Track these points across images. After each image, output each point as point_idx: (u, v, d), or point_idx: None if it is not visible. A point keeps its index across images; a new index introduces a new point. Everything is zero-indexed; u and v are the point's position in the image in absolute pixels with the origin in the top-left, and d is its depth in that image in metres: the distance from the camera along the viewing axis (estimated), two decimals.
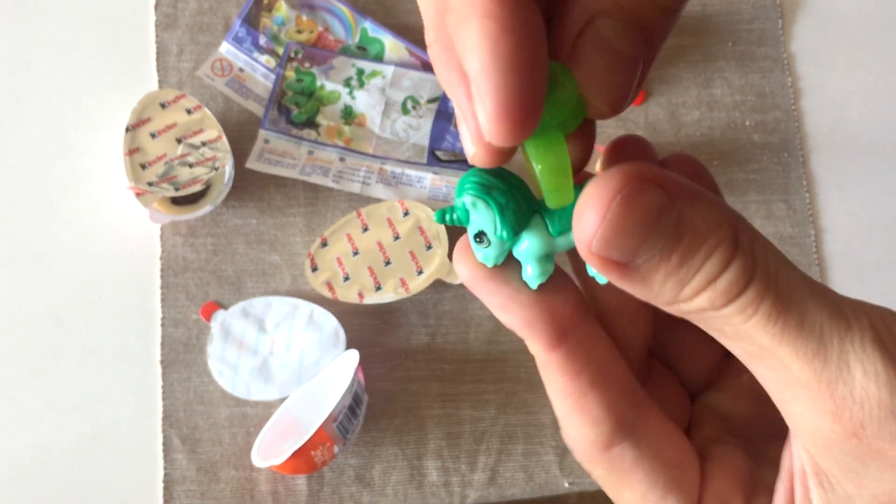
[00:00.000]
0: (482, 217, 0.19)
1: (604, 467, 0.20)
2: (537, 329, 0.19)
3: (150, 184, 0.57)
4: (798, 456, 0.19)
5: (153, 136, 0.58)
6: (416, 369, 0.58)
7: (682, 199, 0.17)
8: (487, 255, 0.19)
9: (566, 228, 0.19)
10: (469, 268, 0.20)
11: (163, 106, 0.59)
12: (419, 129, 0.61)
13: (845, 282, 0.61)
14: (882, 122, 0.64)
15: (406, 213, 0.59)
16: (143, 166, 0.58)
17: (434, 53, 0.18)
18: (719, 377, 0.24)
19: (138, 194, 0.56)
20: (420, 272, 0.58)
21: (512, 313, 0.20)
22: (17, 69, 0.62)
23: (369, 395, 0.57)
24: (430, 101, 0.62)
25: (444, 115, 0.62)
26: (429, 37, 0.18)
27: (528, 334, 0.20)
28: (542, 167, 0.18)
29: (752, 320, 0.18)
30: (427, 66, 0.62)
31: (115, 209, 0.59)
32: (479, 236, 0.19)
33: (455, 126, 0.62)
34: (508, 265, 0.20)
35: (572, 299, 0.20)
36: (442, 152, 0.61)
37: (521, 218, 0.19)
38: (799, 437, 0.19)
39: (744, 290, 0.17)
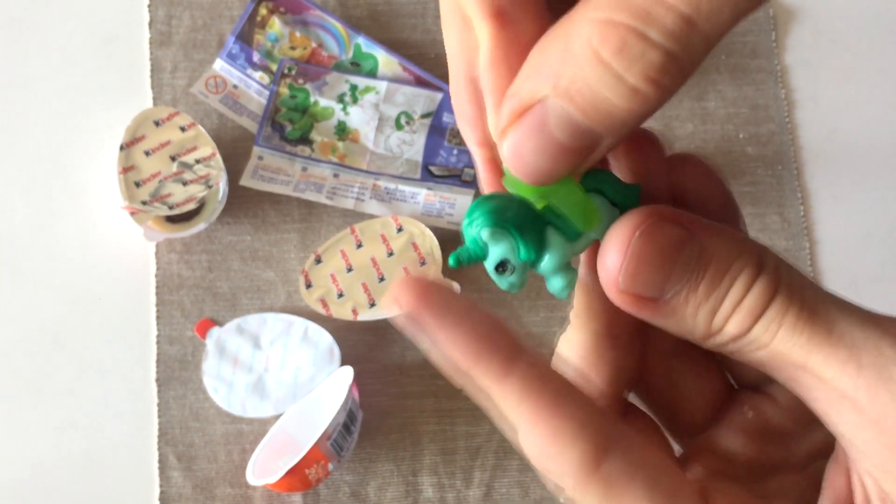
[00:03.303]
0: (501, 246, 0.19)
1: (598, 489, 0.19)
2: (486, 359, 0.18)
3: (145, 202, 0.57)
4: (860, 482, 0.19)
5: (147, 153, 0.58)
6: (411, 385, 0.58)
7: (703, 233, 0.18)
8: (512, 281, 0.19)
9: (579, 230, 0.20)
10: (410, 305, 0.18)
11: (157, 123, 0.59)
12: (413, 145, 0.61)
13: (841, 294, 0.61)
14: (876, 134, 0.64)
15: (400, 230, 0.59)
16: (138, 184, 0.58)
17: (458, 108, 0.20)
18: (720, 414, 0.23)
19: (132, 213, 0.56)
20: None
21: (459, 345, 0.18)
22: (12, 87, 0.62)
23: (364, 412, 0.57)
24: (424, 116, 0.62)
25: (437, 130, 0.62)
26: (456, 93, 0.19)
27: (477, 366, 0.18)
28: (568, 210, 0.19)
29: (779, 335, 0.18)
30: (420, 82, 0.62)
31: (109, 227, 0.60)
32: (502, 266, 0.19)
33: (448, 141, 0.62)
34: (439, 295, 0.19)
35: (505, 328, 0.19)
36: (436, 167, 0.61)
37: (538, 235, 0.19)
38: (860, 462, 0.18)
39: (768, 306, 0.18)
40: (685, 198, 0.21)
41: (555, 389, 0.19)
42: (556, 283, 0.20)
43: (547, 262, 0.19)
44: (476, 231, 0.19)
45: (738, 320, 0.18)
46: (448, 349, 0.19)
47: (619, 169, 0.21)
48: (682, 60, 0.16)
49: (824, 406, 0.18)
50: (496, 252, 0.19)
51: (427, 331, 0.18)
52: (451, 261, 0.19)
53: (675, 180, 0.21)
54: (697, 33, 0.16)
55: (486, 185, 0.20)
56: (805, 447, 0.22)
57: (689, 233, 0.18)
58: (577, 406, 0.19)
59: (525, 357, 0.19)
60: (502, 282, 0.19)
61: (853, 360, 0.17)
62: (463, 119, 0.20)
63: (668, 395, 0.23)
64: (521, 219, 0.19)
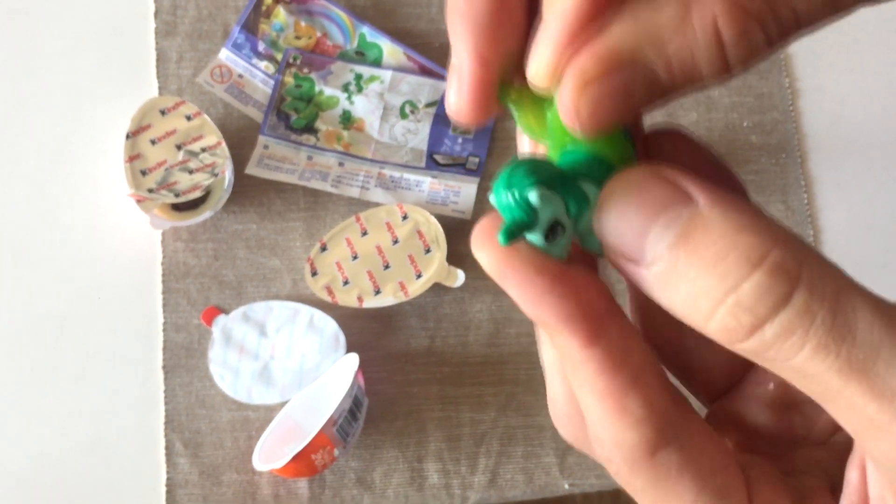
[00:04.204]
0: (551, 206, 0.17)
1: (647, 476, 0.18)
2: (575, 324, 0.17)
3: (151, 190, 0.57)
4: (880, 489, 0.17)
5: (153, 142, 0.59)
6: (415, 372, 0.59)
7: (706, 199, 0.16)
8: (563, 244, 0.18)
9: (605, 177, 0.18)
10: (494, 257, 0.17)
11: (162, 112, 0.59)
12: (417, 134, 0.62)
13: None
14: (880, 123, 0.64)
15: (405, 217, 0.59)
16: (144, 172, 0.58)
17: (464, 9, 0.18)
18: (742, 383, 0.22)
19: (139, 201, 0.56)
20: (419, 276, 0.58)
21: (545, 307, 0.17)
22: (19, 77, 0.62)
23: (369, 399, 0.57)
24: (428, 105, 0.62)
25: (442, 118, 0.62)
26: None
27: (563, 330, 0.17)
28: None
29: (803, 352, 0.15)
30: (425, 71, 0.63)
31: (116, 215, 0.60)
32: (552, 229, 0.17)
33: (454, 130, 0.62)
34: (530, 250, 0.18)
35: (605, 292, 0.18)
36: (440, 156, 0.61)
37: (577, 188, 0.18)
38: (885, 475, 0.17)
39: (780, 308, 0.15)
40: None
41: (635, 366, 0.18)
42: (594, 240, 0.18)
43: (589, 216, 0.18)
44: (521, 194, 0.17)
45: (736, 314, 0.16)
46: (533, 311, 0.17)
47: None
48: (770, 53, 0.17)
49: (856, 429, 0.16)
50: (547, 213, 0.17)
51: (512, 290, 0.17)
52: (501, 239, 0.17)
53: (655, 156, 0.20)
54: (796, 34, 0.16)
55: (466, 102, 0.19)
56: (826, 417, 0.20)
57: (684, 196, 0.16)
58: (652, 389, 0.18)
59: (614, 328, 0.18)
60: (554, 248, 0.18)
61: None
62: (468, 24, 0.18)
63: (682, 359, 0.22)
64: (560, 174, 0.17)
